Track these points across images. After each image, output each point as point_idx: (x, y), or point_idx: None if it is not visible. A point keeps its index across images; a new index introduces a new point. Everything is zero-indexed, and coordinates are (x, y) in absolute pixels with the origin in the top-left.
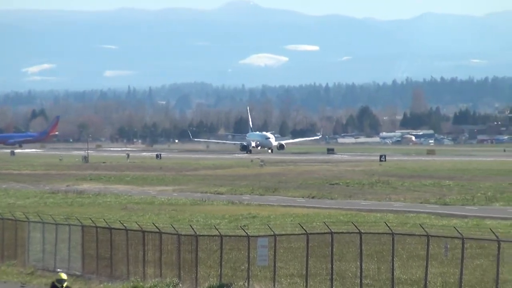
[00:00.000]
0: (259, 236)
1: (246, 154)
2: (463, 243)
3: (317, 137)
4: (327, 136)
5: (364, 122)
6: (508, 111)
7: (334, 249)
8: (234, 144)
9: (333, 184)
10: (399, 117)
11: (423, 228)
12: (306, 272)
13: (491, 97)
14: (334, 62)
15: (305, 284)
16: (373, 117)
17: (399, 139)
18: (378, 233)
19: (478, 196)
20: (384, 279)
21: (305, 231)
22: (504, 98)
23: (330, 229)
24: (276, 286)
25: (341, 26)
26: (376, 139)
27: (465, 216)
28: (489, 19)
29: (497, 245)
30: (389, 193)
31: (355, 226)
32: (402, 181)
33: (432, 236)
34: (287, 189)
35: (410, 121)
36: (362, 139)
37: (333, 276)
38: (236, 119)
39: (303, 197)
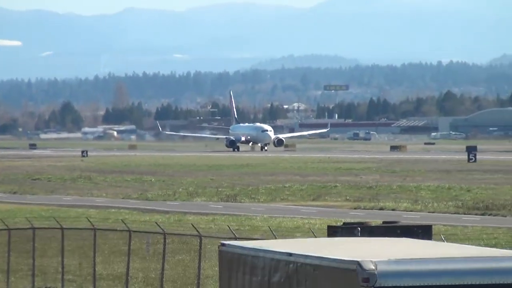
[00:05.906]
0: None
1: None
2: (164, 238)
3: (325, 130)
4: (28, 132)
5: (66, 117)
6: (210, 106)
7: (36, 245)
8: (218, 139)
9: (34, 180)
10: (102, 112)
11: (124, 224)
12: (8, 267)
13: (193, 91)
14: (37, 57)
15: (6, 280)
16: (75, 113)
17: (101, 134)
18: (80, 229)
19: (180, 191)
20: (85, 274)
21: (7, 226)
22: (206, 92)
23: (32, 225)
24: None
25: (44, 21)
26: (78, 134)
27: (167, 212)
28: (190, 13)
29: (198, 240)
30: (91, 189)
31: (57, 221)
32: (104, 177)
33: (133, 231)
34: None
35: (113, 116)
36: (65, 134)
37: (35, 272)
38: None
39: (4, 193)
